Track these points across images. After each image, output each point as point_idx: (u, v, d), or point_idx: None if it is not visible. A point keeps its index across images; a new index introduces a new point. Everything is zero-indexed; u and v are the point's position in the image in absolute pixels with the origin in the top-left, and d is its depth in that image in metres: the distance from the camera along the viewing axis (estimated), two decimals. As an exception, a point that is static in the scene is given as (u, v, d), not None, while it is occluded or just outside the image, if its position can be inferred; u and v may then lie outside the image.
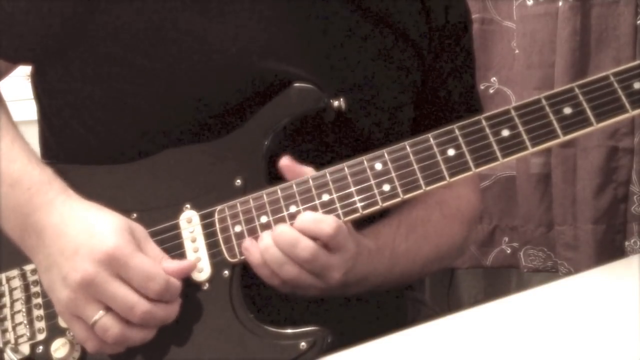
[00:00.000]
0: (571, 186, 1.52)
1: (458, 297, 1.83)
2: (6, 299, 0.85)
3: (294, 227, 0.79)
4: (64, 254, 0.77)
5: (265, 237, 0.79)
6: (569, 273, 1.53)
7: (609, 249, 1.50)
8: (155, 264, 0.77)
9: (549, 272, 1.59)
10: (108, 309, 0.76)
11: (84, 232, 0.77)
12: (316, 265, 0.78)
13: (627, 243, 1.51)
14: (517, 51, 1.56)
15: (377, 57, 0.93)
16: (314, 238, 0.78)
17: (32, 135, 0.97)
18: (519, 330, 0.75)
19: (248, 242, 0.80)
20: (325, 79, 0.86)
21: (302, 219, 0.79)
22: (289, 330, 0.79)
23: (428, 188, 0.80)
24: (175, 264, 0.79)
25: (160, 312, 0.77)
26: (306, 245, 0.78)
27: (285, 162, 0.82)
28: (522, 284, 1.75)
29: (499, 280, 1.80)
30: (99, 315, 0.75)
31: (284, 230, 0.79)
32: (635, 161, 1.47)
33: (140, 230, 0.80)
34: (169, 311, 0.78)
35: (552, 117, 0.78)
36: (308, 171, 0.82)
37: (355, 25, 0.91)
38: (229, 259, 0.81)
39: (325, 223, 0.78)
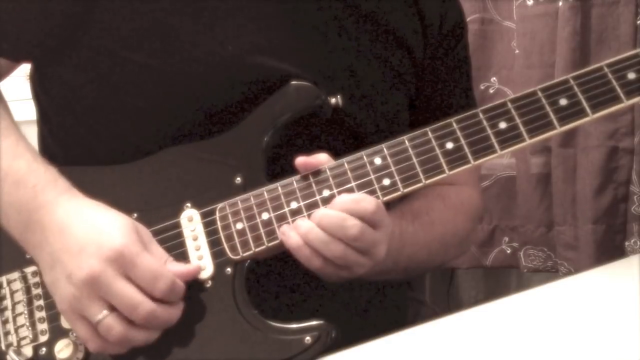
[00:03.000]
0: (571, 186, 1.51)
1: (458, 297, 1.83)
2: (7, 302, 0.84)
3: (335, 209, 0.78)
4: (69, 252, 0.76)
5: (304, 222, 0.79)
6: (569, 273, 1.53)
7: (609, 249, 1.50)
8: (162, 264, 0.77)
9: (549, 272, 1.59)
10: (112, 309, 0.75)
11: (90, 230, 0.77)
12: (365, 241, 0.78)
13: (627, 243, 1.50)
14: (517, 51, 1.55)
15: (371, 57, 0.93)
16: (358, 217, 0.78)
17: (32, 135, 0.97)
18: (519, 330, 0.75)
19: (285, 227, 0.79)
20: (320, 77, 0.86)
21: (342, 200, 0.79)
22: (294, 325, 0.78)
23: (428, 181, 0.80)
24: (180, 267, 0.79)
25: (164, 313, 0.76)
26: (354, 224, 0.77)
27: (301, 160, 0.81)
28: (522, 284, 1.75)
29: (499, 280, 1.79)
30: (103, 314, 0.75)
31: (327, 213, 0.78)
32: (635, 161, 1.47)
33: (144, 230, 0.80)
34: (172, 313, 0.77)
35: (548, 108, 0.79)
36: (323, 158, 0.82)
37: (349, 26, 0.92)
38: (231, 256, 0.81)
39: (366, 201, 0.78)
